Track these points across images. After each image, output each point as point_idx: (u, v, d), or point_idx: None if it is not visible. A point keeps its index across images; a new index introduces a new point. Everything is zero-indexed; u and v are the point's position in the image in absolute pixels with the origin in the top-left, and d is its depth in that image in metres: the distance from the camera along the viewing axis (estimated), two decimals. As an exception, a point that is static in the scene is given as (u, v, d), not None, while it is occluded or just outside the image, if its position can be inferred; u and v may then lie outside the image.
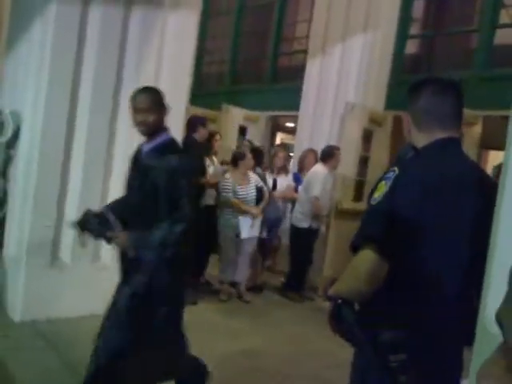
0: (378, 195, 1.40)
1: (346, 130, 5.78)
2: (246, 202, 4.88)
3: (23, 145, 3.85)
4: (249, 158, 5.00)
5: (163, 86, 4.15)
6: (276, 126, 9.59)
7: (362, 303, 1.37)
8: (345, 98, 6.23)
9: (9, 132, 3.80)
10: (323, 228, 5.52)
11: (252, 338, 4.06)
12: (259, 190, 5.09)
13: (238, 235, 4.85)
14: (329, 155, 5.39)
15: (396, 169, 1.41)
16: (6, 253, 3.96)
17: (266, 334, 4.21)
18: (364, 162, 6.12)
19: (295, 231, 5.42)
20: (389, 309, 1.36)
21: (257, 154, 5.39)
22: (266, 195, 5.15)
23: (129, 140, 4.01)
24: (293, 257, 5.55)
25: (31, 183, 3.66)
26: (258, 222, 4.99)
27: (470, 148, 5.46)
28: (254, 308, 4.90)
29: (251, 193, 4.94)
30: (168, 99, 4.15)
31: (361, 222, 1.45)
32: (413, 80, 1.66)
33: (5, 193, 4.01)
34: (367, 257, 1.35)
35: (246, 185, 4.95)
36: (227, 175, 4.98)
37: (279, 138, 10.70)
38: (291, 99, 7.23)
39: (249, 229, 4.89)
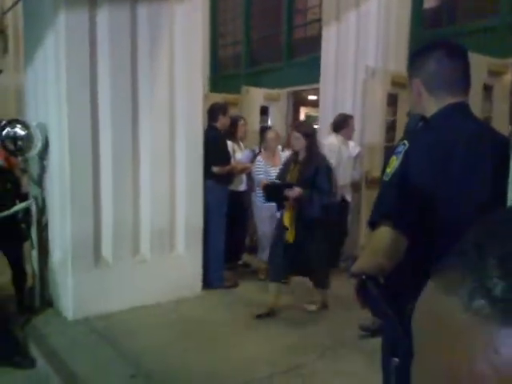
0: (389, 170, 1.41)
1: (369, 96, 5.69)
2: None
3: (54, 154, 4.02)
4: (270, 138, 5.04)
5: (178, 79, 4.26)
6: (298, 101, 9.52)
7: (386, 277, 1.40)
8: (365, 63, 6.11)
9: (39, 144, 3.96)
10: (349, 198, 5.48)
11: (292, 313, 4.15)
12: None
13: (273, 215, 4.93)
14: (342, 124, 5.30)
15: (406, 142, 1.41)
16: (52, 257, 4.18)
17: (306, 307, 4.29)
18: (391, 127, 6.03)
19: None
20: (412, 280, 1.40)
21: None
22: None
23: (152, 136, 4.14)
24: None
25: (66, 189, 3.83)
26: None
27: (500, 97, 5.32)
28: (293, 284, 4.98)
29: None
30: (184, 91, 4.28)
31: (376, 199, 1.47)
32: (435, 36, 1.65)
33: (43, 201, 4.21)
34: (385, 233, 1.37)
35: (278, 165, 5.01)
36: (258, 157, 5.07)
37: (303, 112, 10.62)
38: (310, 72, 7.15)
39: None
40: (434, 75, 1.51)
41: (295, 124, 3.92)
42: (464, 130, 1.43)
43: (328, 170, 3.91)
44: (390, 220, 1.36)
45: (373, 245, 1.43)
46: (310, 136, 3.92)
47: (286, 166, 4.09)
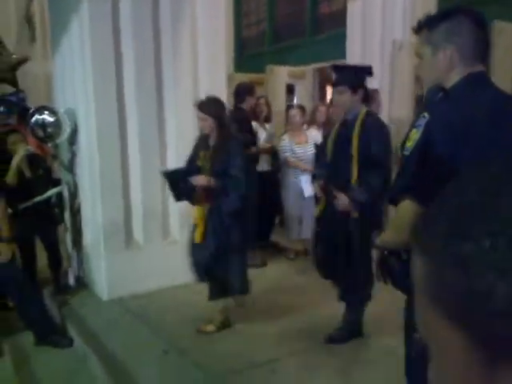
0: (410, 144, 1.37)
1: (397, 71, 5.57)
2: (305, 161, 4.93)
3: (82, 139, 4.09)
4: (292, 115, 5.02)
5: (201, 62, 4.25)
6: (325, 79, 9.39)
7: (409, 252, 1.39)
8: (392, 36, 5.98)
9: (67, 130, 4.03)
10: None
11: (323, 292, 4.14)
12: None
13: (301, 195, 4.93)
14: (368, 100, 5.20)
15: (426, 114, 1.37)
16: (85, 240, 4.30)
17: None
18: (420, 100, 5.89)
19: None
20: None
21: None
22: None
23: (177, 120, 4.17)
24: None
25: (96, 174, 3.91)
26: None
27: None
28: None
29: (309, 151, 4.96)
30: (207, 74, 4.26)
31: (396, 174, 1.45)
32: (464, 5, 1.58)
33: (75, 186, 4.31)
34: (409, 207, 1.35)
35: (304, 143, 4.98)
36: (284, 136, 5.04)
37: (330, 89, 10.47)
38: (336, 47, 7.04)
39: (310, 186, 4.93)
40: (468, 43, 1.46)
41: (198, 102, 3.28)
42: (486, 100, 1.39)
43: (242, 156, 3.25)
44: (413, 194, 1.33)
45: (397, 220, 1.42)
46: (219, 116, 3.23)
47: (195, 150, 3.42)
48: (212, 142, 3.28)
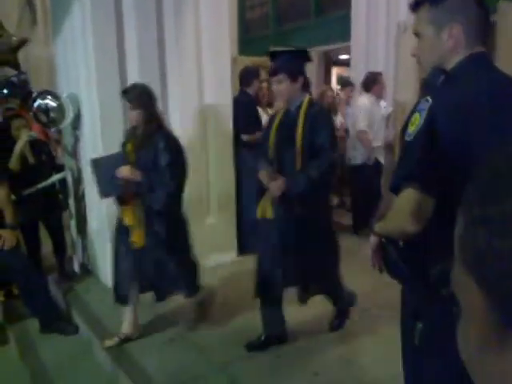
0: (412, 129, 1.29)
1: (403, 53, 5.49)
2: None
3: (86, 124, 4.04)
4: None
5: (204, 44, 4.18)
6: (330, 62, 9.28)
7: (408, 240, 1.35)
8: (397, 18, 5.89)
9: (71, 115, 3.99)
10: (382, 159, 5.35)
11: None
12: None
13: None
14: (372, 82, 5.14)
15: (429, 98, 1.29)
16: (90, 226, 4.28)
17: (342, 270, 4.27)
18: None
19: (351, 169, 5.38)
20: (438, 244, 1.34)
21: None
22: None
23: (181, 104, 4.11)
24: (353, 195, 5.56)
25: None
26: None
27: None
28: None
29: None
30: (211, 57, 4.20)
31: (398, 161, 1.36)
32: None
33: (79, 171, 4.28)
34: (411, 196, 1.29)
35: None
36: None
37: (335, 72, 10.35)
38: (341, 30, 6.95)
39: None
40: (474, 21, 1.36)
41: (123, 90, 3.03)
42: (489, 83, 1.32)
43: (172, 151, 2.94)
44: (416, 182, 1.27)
45: (397, 209, 1.35)
46: (146, 106, 2.95)
47: (124, 142, 3.12)
48: (138, 133, 3.00)
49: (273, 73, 2.78)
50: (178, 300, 3.67)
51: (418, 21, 1.44)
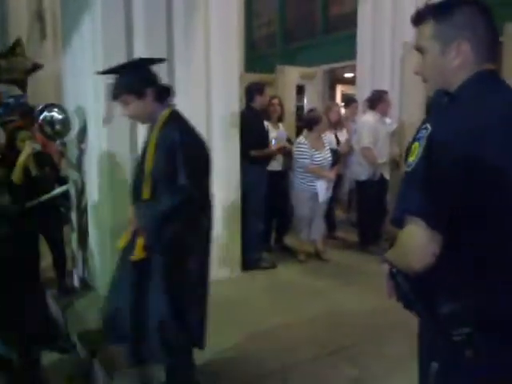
0: (412, 159, 1.19)
1: (408, 72, 5.50)
2: (323, 167, 4.85)
3: (92, 138, 4.02)
4: (324, 122, 4.95)
5: (213, 59, 4.19)
6: (335, 79, 9.31)
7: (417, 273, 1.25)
8: (402, 38, 5.92)
9: (76, 128, 3.97)
10: (387, 176, 5.32)
11: (334, 295, 4.08)
12: (334, 153, 5.11)
13: (313, 197, 4.87)
14: (377, 100, 5.19)
15: (428, 125, 1.18)
16: (91, 240, 4.22)
17: (348, 289, 4.22)
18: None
19: (357, 185, 5.37)
20: (449, 280, 1.23)
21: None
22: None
23: (189, 117, 4.08)
24: (359, 211, 5.53)
25: (104, 173, 3.83)
26: (332, 183, 5.01)
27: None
28: (333, 265, 4.92)
29: (328, 157, 4.91)
30: (220, 71, 4.20)
31: (399, 193, 1.25)
32: None
33: (83, 185, 4.24)
34: (413, 233, 1.19)
35: (322, 149, 4.90)
36: (302, 139, 4.93)
37: (339, 90, 10.39)
38: (347, 48, 6.99)
39: (325, 192, 4.89)
40: (483, 37, 1.28)
41: None
42: (500, 104, 1.22)
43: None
44: (419, 217, 1.17)
45: (402, 243, 1.25)
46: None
47: None
48: None
49: (114, 97, 2.43)
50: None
51: (421, 36, 1.34)
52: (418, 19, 1.34)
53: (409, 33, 5.93)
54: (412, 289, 1.26)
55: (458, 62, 1.27)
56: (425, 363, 1.38)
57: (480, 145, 1.15)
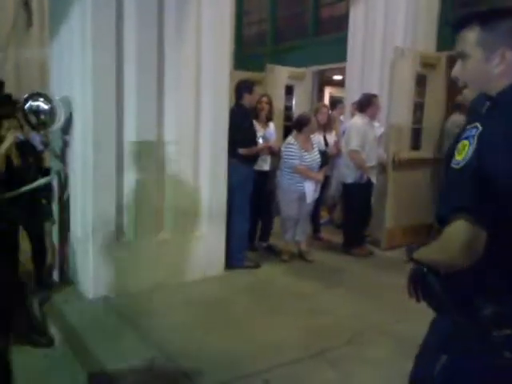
0: (461, 157, 1.21)
1: (398, 77, 5.51)
2: (311, 168, 4.84)
3: (77, 129, 3.94)
4: (313, 124, 4.94)
5: (205, 55, 4.14)
6: (323, 81, 9.31)
7: (452, 272, 1.25)
8: (393, 42, 5.93)
9: (62, 119, 3.88)
10: (374, 179, 5.33)
11: (317, 297, 4.07)
12: (322, 154, 5.10)
13: (300, 198, 4.86)
14: (366, 104, 5.22)
15: (478, 124, 1.21)
16: (73, 234, 4.14)
17: (331, 291, 4.22)
18: (419, 108, 5.85)
19: (344, 187, 5.38)
20: (490, 282, 1.25)
21: None
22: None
23: (177, 115, 4.04)
24: (345, 213, 5.55)
25: (89, 165, 3.76)
26: (319, 185, 5.00)
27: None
28: (317, 267, 4.91)
29: (316, 158, 4.90)
30: (210, 68, 4.16)
31: (444, 190, 1.28)
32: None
33: (66, 177, 4.15)
34: (461, 228, 1.19)
35: (311, 150, 4.89)
36: (292, 140, 4.91)
37: (328, 92, 10.41)
38: (337, 51, 6.97)
39: (313, 193, 4.88)
40: None
41: None
42: None
43: None
44: (467, 213, 1.18)
45: (445, 240, 1.24)
46: None
47: None
48: None
49: None
50: (161, 316, 3.55)
51: (464, 41, 1.36)
52: (461, 25, 1.36)
53: (399, 38, 5.98)
54: (445, 289, 1.27)
55: (501, 69, 1.31)
56: (432, 355, 1.39)
57: None
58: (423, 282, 1.30)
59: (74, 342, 3.20)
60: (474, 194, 1.18)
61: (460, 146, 1.23)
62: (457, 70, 1.41)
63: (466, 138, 1.22)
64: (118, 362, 2.94)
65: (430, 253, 1.33)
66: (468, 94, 1.41)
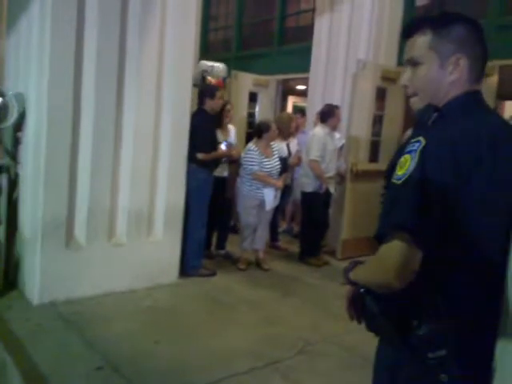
0: (402, 172, 1.14)
1: (359, 89, 5.59)
2: (271, 175, 4.83)
3: (30, 126, 3.79)
4: (273, 130, 4.93)
5: (167, 58, 4.07)
6: (287, 90, 9.37)
7: (390, 293, 1.18)
8: (356, 55, 6.04)
9: (14, 114, 3.73)
10: (332, 189, 5.39)
11: (272, 306, 4.05)
12: (283, 161, 5.11)
13: (259, 205, 4.83)
14: (328, 114, 5.28)
15: (421, 138, 1.14)
16: (20, 235, 3.96)
17: (286, 300, 4.20)
18: (378, 121, 5.96)
19: (302, 196, 5.40)
20: (426, 300, 1.18)
21: None
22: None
23: (137, 114, 3.95)
24: (302, 222, 5.57)
25: (40, 164, 3.61)
26: (279, 192, 5.00)
27: (486, 99, 5.26)
28: (273, 276, 4.89)
29: (276, 165, 4.90)
30: (173, 71, 4.10)
31: (384, 206, 1.20)
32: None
33: (16, 175, 3.99)
34: (397, 248, 1.12)
35: (271, 157, 4.89)
36: (252, 146, 4.89)
37: (291, 101, 10.48)
38: (301, 61, 7.02)
39: (272, 200, 4.86)
40: (479, 56, 1.26)
41: None
42: (488, 125, 1.20)
43: None
44: (405, 232, 1.12)
45: (381, 260, 1.18)
46: None
47: None
48: None
49: None
50: (109, 323, 3.44)
51: (415, 47, 1.29)
52: (412, 30, 1.30)
53: (362, 51, 6.08)
54: (382, 311, 1.20)
55: (454, 78, 1.25)
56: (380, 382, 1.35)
57: (469, 164, 1.13)
58: (362, 304, 1.24)
59: (16, 351, 3.02)
60: (413, 211, 1.12)
61: (402, 160, 1.17)
62: (406, 77, 1.33)
63: (409, 153, 1.16)
64: (62, 371, 2.81)
65: (365, 273, 1.26)
66: (416, 103, 1.33)
